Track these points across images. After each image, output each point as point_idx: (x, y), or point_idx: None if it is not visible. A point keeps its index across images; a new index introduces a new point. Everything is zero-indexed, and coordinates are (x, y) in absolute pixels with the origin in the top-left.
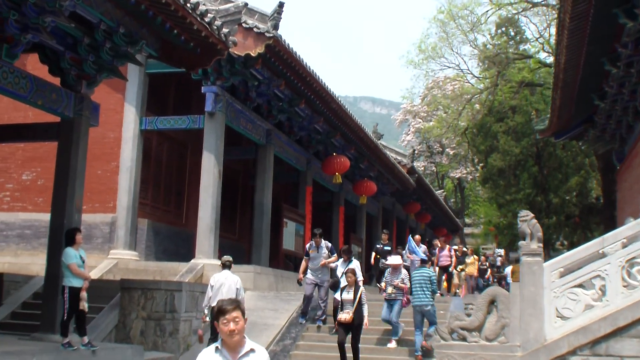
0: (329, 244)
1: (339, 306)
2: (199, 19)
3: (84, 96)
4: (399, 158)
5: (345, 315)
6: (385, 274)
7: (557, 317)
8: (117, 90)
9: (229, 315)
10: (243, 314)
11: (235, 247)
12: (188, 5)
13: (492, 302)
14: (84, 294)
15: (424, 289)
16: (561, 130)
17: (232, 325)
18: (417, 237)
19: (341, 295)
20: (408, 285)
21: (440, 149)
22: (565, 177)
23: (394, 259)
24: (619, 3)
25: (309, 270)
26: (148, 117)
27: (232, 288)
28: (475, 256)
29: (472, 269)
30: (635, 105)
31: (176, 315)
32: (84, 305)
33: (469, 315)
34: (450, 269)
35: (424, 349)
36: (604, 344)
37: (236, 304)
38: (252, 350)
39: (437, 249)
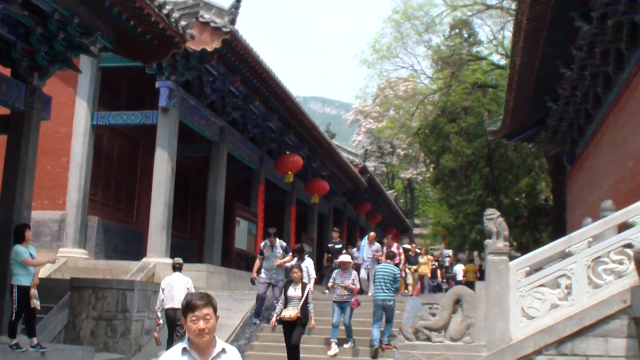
0: (284, 243)
1: (281, 302)
2: (156, 10)
3: (35, 88)
4: (351, 158)
5: (290, 313)
6: (334, 275)
7: (523, 316)
8: (69, 84)
9: (198, 312)
10: (215, 310)
11: (187, 245)
12: None
13: (457, 302)
14: (33, 292)
15: (387, 284)
16: (513, 131)
17: (202, 324)
18: (372, 234)
19: (286, 291)
20: (358, 286)
21: (391, 150)
22: (516, 178)
23: (344, 257)
24: (575, 6)
25: (262, 270)
26: (100, 112)
27: (182, 289)
28: (428, 256)
29: (425, 269)
30: (587, 108)
31: (128, 315)
32: (36, 303)
33: (433, 315)
34: (399, 267)
35: (382, 349)
36: (570, 344)
37: (207, 299)
38: (223, 351)
39: (385, 247)
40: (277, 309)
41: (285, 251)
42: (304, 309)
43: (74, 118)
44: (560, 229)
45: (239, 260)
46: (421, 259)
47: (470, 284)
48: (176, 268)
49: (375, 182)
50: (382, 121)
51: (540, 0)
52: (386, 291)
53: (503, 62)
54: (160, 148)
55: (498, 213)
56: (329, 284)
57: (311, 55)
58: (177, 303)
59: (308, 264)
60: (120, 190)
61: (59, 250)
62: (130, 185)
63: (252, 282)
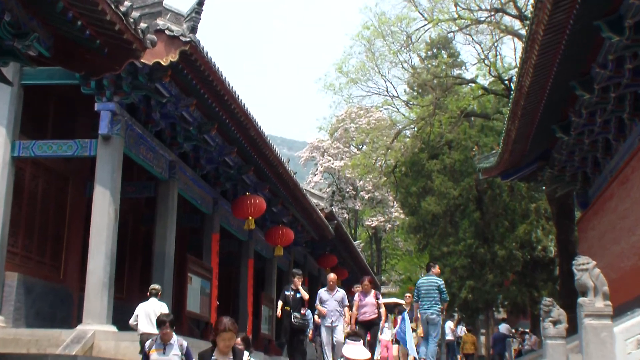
0: (184, 343)
1: None
2: (112, 7)
3: None
4: (315, 201)
5: None
6: None
7: None
8: None
9: None
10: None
11: (125, 308)
12: None
13: None
14: None
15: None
16: (510, 168)
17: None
18: (332, 276)
19: None
20: None
21: (354, 192)
22: (512, 224)
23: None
24: (602, 14)
25: None
26: (23, 141)
27: (155, 314)
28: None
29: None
30: (607, 138)
31: None
32: None
33: None
34: (379, 324)
35: None
36: None
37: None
38: None
39: (357, 294)
40: None
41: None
42: None
43: None
44: (569, 285)
45: (192, 327)
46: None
47: (469, 357)
48: (152, 294)
49: (342, 231)
50: (343, 158)
51: (563, 6)
52: (434, 305)
53: (496, 87)
54: (100, 186)
55: (593, 262)
56: None
57: (259, 91)
58: (152, 329)
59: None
60: (44, 240)
61: None
62: (57, 232)
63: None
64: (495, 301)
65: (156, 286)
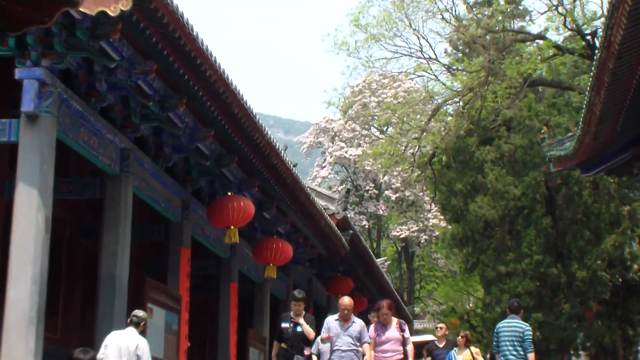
0: None
1: None
2: None
3: None
4: (323, 203)
5: None
6: None
7: None
8: None
9: None
10: None
11: (60, 353)
12: None
13: None
14: None
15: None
16: (593, 157)
17: None
18: (346, 301)
19: None
20: None
21: (376, 192)
22: (596, 235)
23: None
24: None
25: None
26: None
27: (129, 350)
28: (474, 349)
29: None
30: None
31: None
32: None
33: None
34: None
35: None
36: None
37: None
38: None
39: (372, 327)
40: None
41: None
42: None
43: None
44: None
45: None
46: (460, 356)
47: None
48: (133, 323)
49: (360, 245)
50: (360, 145)
51: None
52: (514, 353)
53: (572, 43)
54: (24, 183)
55: None
56: None
57: (250, 57)
58: None
59: None
60: None
61: None
62: None
63: None
64: (573, 341)
65: (140, 313)
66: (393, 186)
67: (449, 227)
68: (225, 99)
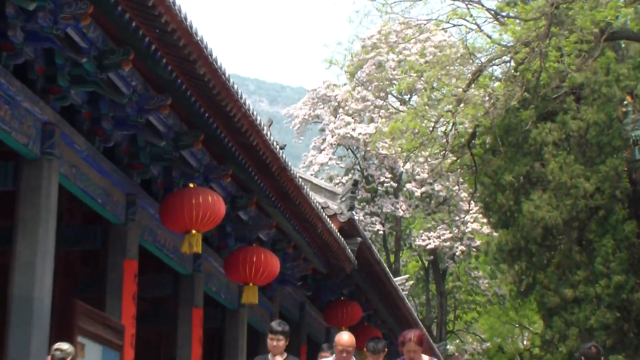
0: None
1: None
2: None
3: None
4: (322, 200)
5: None
6: None
7: None
8: None
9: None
10: None
11: None
12: None
13: None
14: None
15: None
16: None
17: None
18: (345, 339)
19: None
20: None
21: (393, 185)
22: None
23: None
24: None
25: None
26: None
27: None
28: None
29: None
30: None
31: None
32: None
33: None
34: None
35: None
36: None
37: None
38: None
39: None
40: None
41: None
42: None
43: None
44: None
45: None
46: None
47: None
48: (56, 359)
49: (372, 258)
50: (373, 119)
51: None
52: None
53: None
54: None
55: None
56: None
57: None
58: None
59: None
60: None
61: None
62: None
63: None
64: None
65: (66, 346)
66: (418, 177)
67: (495, 234)
68: (186, 54)
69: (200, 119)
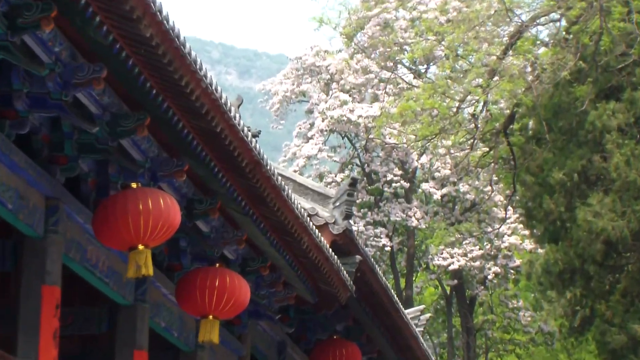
0: None
1: None
2: None
3: None
4: (308, 205)
5: None
6: None
7: None
8: None
9: None
10: None
11: None
12: None
13: None
14: None
15: None
16: None
17: None
18: None
19: None
20: None
21: (405, 185)
22: None
23: None
24: None
25: None
26: None
27: None
28: None
29: None
30: None
31: None
32: None
33: None
34: None
35: None
36: None
37: None
38: None
39: None
40: None
41: None
42: None
43: None
44: None
45: None
46: None
47: None
48: None
49: (375, 284)
50: (378, 97)
51: None
52: None
53: None
54: None
55: None
56: None
57: None
58: None
59: None
60: None
61: None
62: None
63: None
64: None
65: None
66: (437, 175)
67: (540, 251)
68: (128, 10)
69: (146, 97)
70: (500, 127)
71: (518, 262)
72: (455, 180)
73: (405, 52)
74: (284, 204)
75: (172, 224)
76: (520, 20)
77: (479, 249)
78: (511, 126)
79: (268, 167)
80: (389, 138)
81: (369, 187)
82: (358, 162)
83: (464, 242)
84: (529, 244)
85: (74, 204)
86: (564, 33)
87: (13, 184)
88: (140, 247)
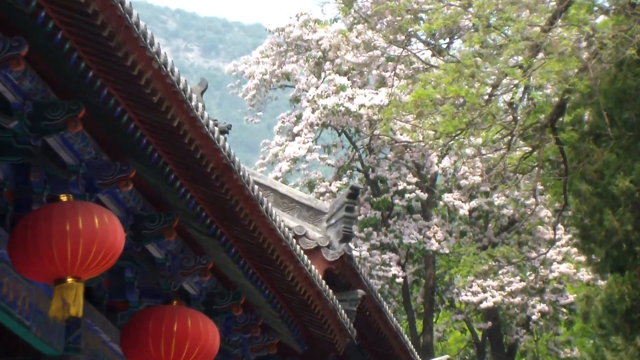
0: None
1: None
2: None
3: None
4: (293, 224)
5: None
6: None
7: None
8: None
9: None
10: None
11: None
12: None
13: None
14: None
15: None
16: None
17: None
18: None
19: None
20: None
21: (422, 197)
22: None
23: None
24: None
25: None
26: None
27: None
28: None
29: None
30: None
31: None
32: None
33: None
34: None
35: None
36: None
37: None
38: None
39: None
40: None
41: None
42: None
43: None
44: None
45: None
46: None
47: None
48: None
49: (384, 326)
50: (386, 82)
51: None
52: None
53: None
54: None
55: None
56: None
57: None
58: None
59: None
60: None
61: None
62: None
63: None
64: None
65: None
66: (463, 183)
67: (601, 282)
68: None
69: (81, 82)
70: (546, 120)
71: (572, 297)
72: (488, 190)
73: (422, 22)
74: (262, 222)
75: (111, 248)
76: None
77: (520, 281)
78: (561, 119)
79: (241, 174)
80: (400, 135)
81: (375, 200)
82: (359, 166)
83: (499, 272)
84: (585, 274)
85: None
86: None
87: None
88: (69, 279)
